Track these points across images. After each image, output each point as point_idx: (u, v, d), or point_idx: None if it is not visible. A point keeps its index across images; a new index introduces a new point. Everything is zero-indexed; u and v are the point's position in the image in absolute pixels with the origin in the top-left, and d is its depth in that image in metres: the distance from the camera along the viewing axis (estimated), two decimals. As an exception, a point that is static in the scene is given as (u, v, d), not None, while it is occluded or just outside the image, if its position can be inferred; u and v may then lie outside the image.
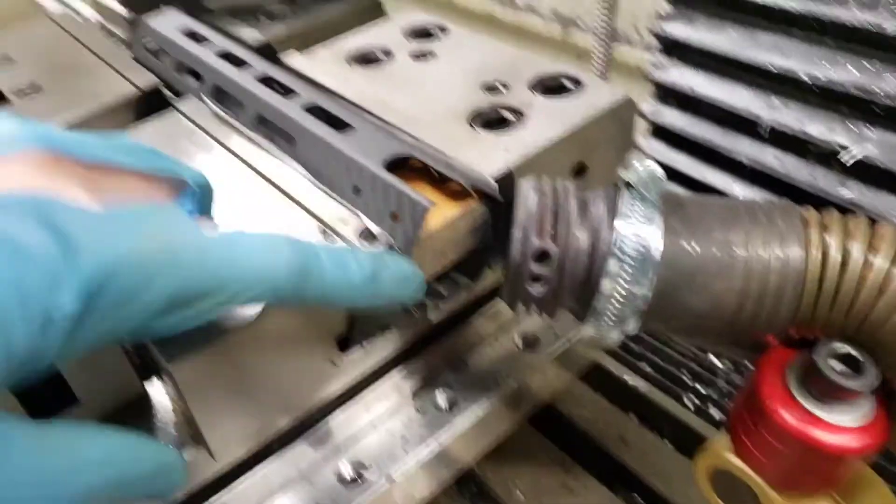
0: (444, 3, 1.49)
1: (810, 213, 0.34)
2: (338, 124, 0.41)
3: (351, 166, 0.38)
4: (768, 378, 0.34)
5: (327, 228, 0.36)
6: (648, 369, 0.65)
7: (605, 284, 0.33)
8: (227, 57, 0.49)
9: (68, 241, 0.20)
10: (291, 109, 0.42)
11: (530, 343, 0.49)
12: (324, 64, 0.51)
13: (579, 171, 0.44)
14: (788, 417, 0.33)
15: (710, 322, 0.34)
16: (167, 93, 0.51)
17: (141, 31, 0.55)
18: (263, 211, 0.37)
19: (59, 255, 0.20)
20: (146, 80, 0.51)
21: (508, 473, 0.54)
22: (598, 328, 0.34)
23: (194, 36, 0.52)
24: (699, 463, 0.39)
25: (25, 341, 0.19)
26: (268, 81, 0.46)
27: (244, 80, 0.46)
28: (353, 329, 0.36)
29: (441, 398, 0.45)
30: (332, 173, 0.39)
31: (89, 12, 0.67)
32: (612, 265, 0.32)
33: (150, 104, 0.50)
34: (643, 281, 0.32)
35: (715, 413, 0.62)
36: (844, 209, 0.65)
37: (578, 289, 0.34)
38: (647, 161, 0.33)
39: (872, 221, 0.33)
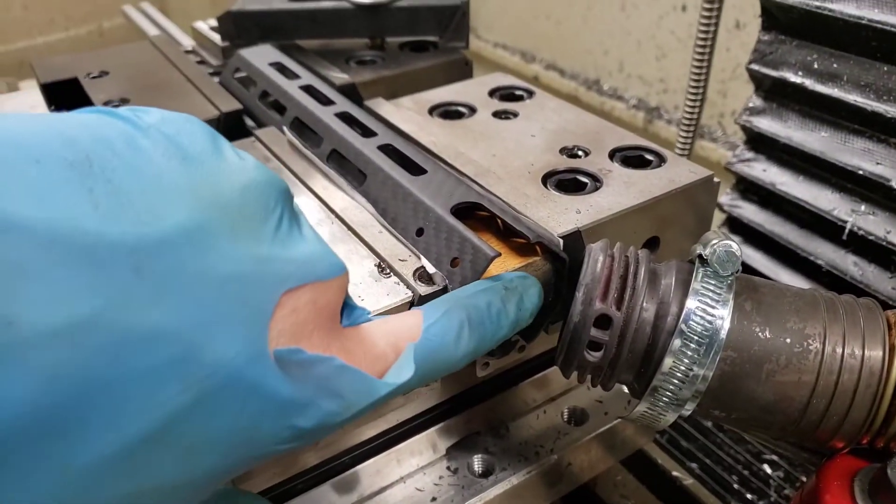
0: (530, 79, 1.55)
1: (891, 315, 0.33)
2: (410, 167, 0.43)
3: (418, 208, 0.39)
4: (833, 487, 0.33)
5: (384, 264, 0.37)
6: (695, 468, 0.63)
7: (667, 361, 0.33)
8: (312, 92, 0.52)
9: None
10: (366, 147, 0.45)
11: (578, 419, 0.48)
12: (406, 112, 0.53)
13: (651, 245, 0.44)
14: (851, 531, 0.32)
15: (773, 416, 0.33)
16: (248, 121, 0.54)
17: (234, 60, 0.59)
18: (330, 240, 0.39)
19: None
20: (229, 104, 0.54)
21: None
22: (654, 406, 0.34)
23: (284, 70, 0.56)
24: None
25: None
26: (348, 119, 0.48)
27: (325, 115, 0.48)
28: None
29: (477, 462, 0.45)
30: (398, 213, 0.40)
31: (185, 39, 0.72)
32: (677, 341, 0.32)
33: (229, 128, 0.54)
34: (706, 362, 0.32)
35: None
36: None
37: (638, 362, 0.34)
38: (726, 239, 0.33)
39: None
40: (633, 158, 0.47)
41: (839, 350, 0.32)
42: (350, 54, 0.64)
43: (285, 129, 0.49)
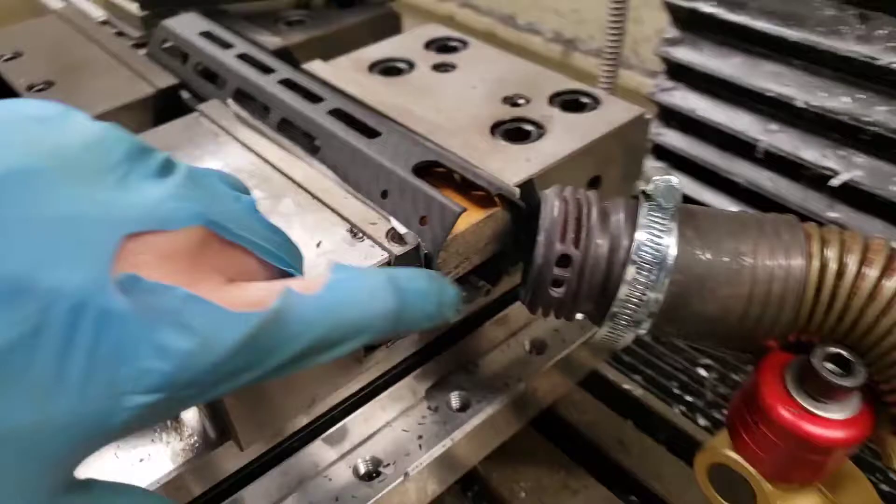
0: (446, 19, 1.54)
1: (812, 228, 0.38)
2: (364, 130, 0.45)
3: (380, 171, 0.41)
4: (768, 379, 0.39)
5: (356, 229, 0.39)
6: (640, 379, 0.69)
7: (623, 289, 0.37)
8: (250, 61, 0.52)
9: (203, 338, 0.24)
10: (318, 114, 0.46)
11: (539, 348, 0.53)
12: (346, 72, 0.54)
13: (594, 182, 0.48)
14: (785, 413, 0.37)
15: (717, 326, 0.38)
16: (186, 95, 0.54)
17: (160, 32, 0.58)
18: (294, 213, 0.41)
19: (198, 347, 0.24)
20: (165, 80, 0.54)
21: (511, 474, 0.57)
22: (613, 330, 0.39)
23: (216, 39, 0.56)
24: (699, 459, 0.44)
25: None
26: (292, 86, 0.49)
27: (269, 84, 0.49)
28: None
29: (454, 399, 0.49)
30: (359, 177, 0.42)
31: (96, 11, 0.70)
32: (630, 271, 0.36)
33: (167, 105, 0.54)
34: (658, 286, 0.37)
35: (702, 421, 0.67)
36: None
37: (597, 293, 0.38)
38: (667, 175, 0.37)
39: (866, 237, 0.38)
40: (570, 102, 0.50)
41: (768, 263, 0.37)
42: (277, 15, 0.64)
43: (229, 101, 0.50)
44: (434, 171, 0.43)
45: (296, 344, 0.27)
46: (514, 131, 0.48)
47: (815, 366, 0.36)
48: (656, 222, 0.37)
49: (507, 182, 0.42)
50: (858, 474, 0.42)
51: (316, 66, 0.55)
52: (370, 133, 0.44)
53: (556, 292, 0.38)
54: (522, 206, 0.41)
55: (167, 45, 0.58)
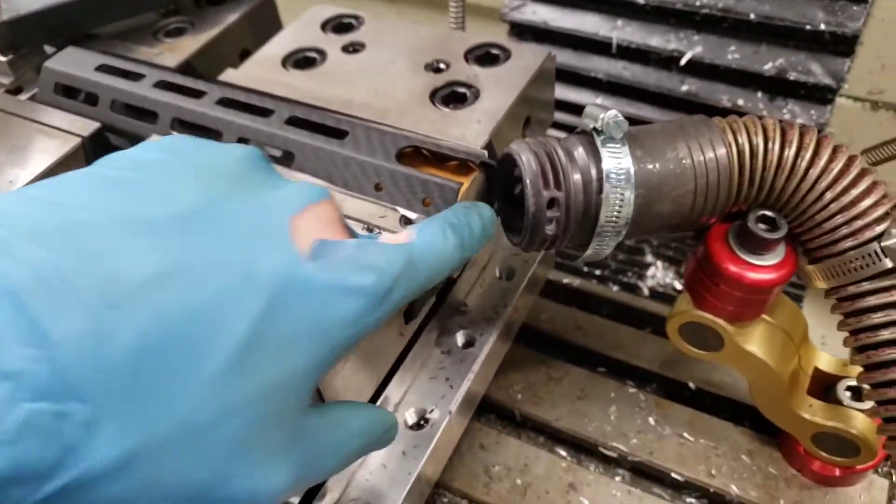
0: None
1: (720, 121, 0.48)
2: (330, 132, 0.48)
3: (366, 167, 0.45)
4: (717, 247, 0.49)
5: (370, 225, 0.44)
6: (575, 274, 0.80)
7: (604, 211, 0.45)
8: (173, 87, 0.52)
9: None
10: (274, 127, 0.48)
11: (508, 274, 0.60)
12: (265, 74, 0.56)
13: (526, 123, 0.55)
14: (734, 268, 0.48)
15: (673, 219, 0.47)
16: (111, 137, 0.53)
17: (47, 76, 0.55)
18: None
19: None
20: (84, 126, 0.52)
21: (504, 383, 0.66)
22: (599, 246, 0.47)
23: (119, 72, 0.54)
24: (671, 323, 0.54)
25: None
26: (231, 104, 0.50)
27: (209, 108, 0.50)
28: (412, 302, 0.45)
29: (460, 339, 0.56)
30: (347, 178, 0.46)
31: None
32: (608, 194, 0.44)
33: (97, 152, 0.52)
34: (628, 202, 0.45)
35: (615, 287, 0.79)
36: (686, 101, 0.83)
37: (581, 220, 0.46)
38: (610, 110, 0.44)
39: (760, 118, 0.48)
40: (483, 57, 0.56)
41: (701, 159, 0.46)
42: (153, 28, 0.63)
43: (260, 153, 0.49)
44: (404, 153, 0.47)
45: (424, 271, 0.35)
46: (450, 95, 0.53)
47: (750, 228, 0.47)
48: (614, 151, 0.45)
49: (475, 147, 0.47)
50: (783, 298, 0.54)
51: (232, 76, 0.56)
52: (337, 133, 0.47)
53: (550, 230, 0.45)
54: (494, 166, 0.47)
55: (57, 88, 0.56)
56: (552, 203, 0.44)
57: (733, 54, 0.79)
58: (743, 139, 0.46)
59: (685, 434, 0.62)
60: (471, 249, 0.40)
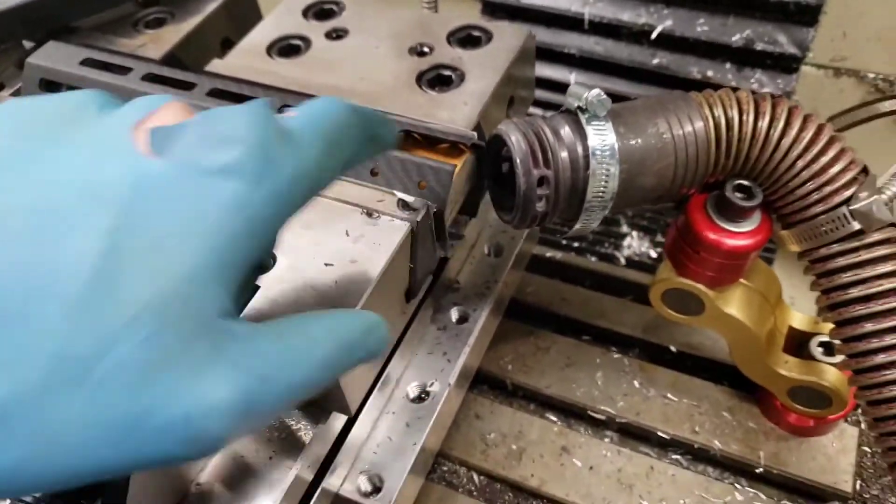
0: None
1: (697, 96, 0.50)
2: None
3: (361, 153, 0.47)
4: (697, 216, 0.51)
5: (369, 210, 0.45)
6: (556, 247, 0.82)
7: (591, 187, 0.47)
8: (161, 80, 0.53)
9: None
10: (268, 116, 0.49)
11: (497, 251, 0.62)
12: (251, 63, 0.56)
13: (511, 103, 0.56)
14: (713, 235, 0.51)
15: (656, 192, 0.49)
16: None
17: (31, 72, 0.55)
18: (308, 211, 0.45)
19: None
20: (76, 121, 0.53)
21: (494, 355, 0.69)
22: (587, 220, 0.49)
23: (103, 65, 0.54)
24: (654, 291, 0.57)
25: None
26: (221, 94, 0.51)
27: (200, 100, 0.51)
28: (412, 282, 0.47)
29: (454, 314, 0.58)
30: (342, 163, 0.47)
31: None
32: (594, 170, 0.46)
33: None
34: (613, 177, 0.47)
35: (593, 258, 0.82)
36: (658, 74, 0.85)
37: (569, 197, 0.48)
38: (593, 90, 0.46)
39: (734, 90, 0.50)
40: (465, 39, 0.57)
41: (680, 132, 0.48)
42: (132, 19, 0.62)
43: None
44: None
45: (319, 130, 0.31)
46: (436, 78, 0.54)
47: (728, 196, 0.50)
48: (599, 128, 0.47)
49: (465, 129, 0.49)
50: (759, 262, 0.57)
51: (219, 66, 0.56)
52: (330, 121, 0.48)
53: (540, 207, 0.47)
54: (483, 147, 0.49)
55: (41, 84, 0.56)
56: (542, 181, 0.46)
57: (702, 27, 0.81)
58: (719, 112, 0.49)
59: (669, 395, 0.65)
60: (373, 119, 0.35)
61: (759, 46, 0.79)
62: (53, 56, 0.56)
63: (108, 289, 0.25)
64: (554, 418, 0.67)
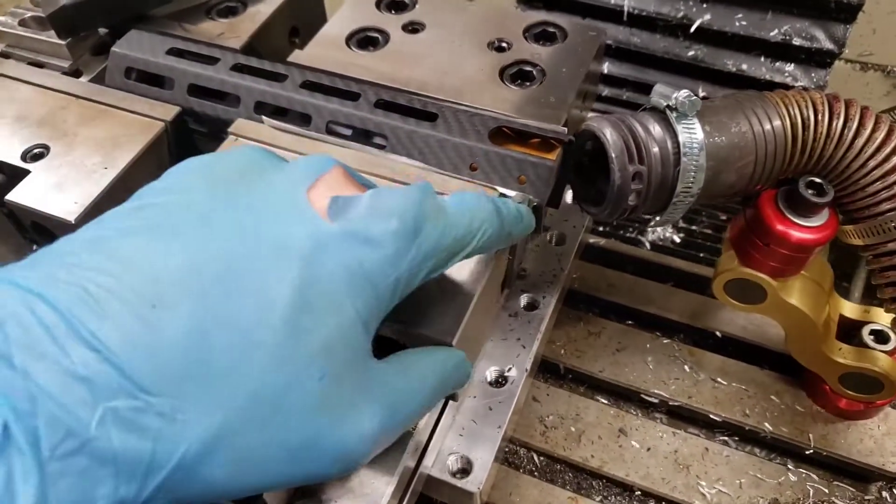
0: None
1: (772, 96, 0.52)
2: (420, 115, 0.50)
3: (460, 149, 0.48)
4: (768, 210, 0.54)
5: (471, 203, 0.47)
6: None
7: (681, 181, 0.49)
8: (251, 70, 0.53)
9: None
10: (366, 111, 0.50)
11: (559, 240, 0.65)
12: (335, 55, 0.57)
13: (585, 97, 0.58)
14: (784, 228, 0.53)
15: (735, 188, 0.52)
16: (188, 120, 0.54)
17: (117, 60, 0.56)
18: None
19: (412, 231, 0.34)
20: (166, 111, 0.53)
21: (547, 341, 0.71)
22: (671, 214, 0.51)
23: (191, 55, 0.55)
24: (717, 281, 0.60)
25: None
26: (314, 87, 0.52)
27: (294, 92, 0.52)
28: (510, 272, 0.49)
29: (523, 301, 0.60)
30: (441, 159, 0.49)
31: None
32: (685, 166, 0.48)
33: (178, 136, 0.54)
34: (701, 173, 0.49)
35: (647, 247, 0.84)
36: (692, 66, 0.87)
37: (658, 191, 0.50)
38: (683, 90, 0.48)
39: (805, 89, 0.53)
40: (540, 34, 0.59)
41: (759, 129, 0.50)
42: (206, 7, 0.63)
43: (265, 118, 0.51)
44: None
45: (456, 215, 0.36)
46: (517, 73, 0.56)
47: (801, 192, 0.52)
48: (689, 126, 0.49)
49: (557, 125, 0.51)
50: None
51: (302, 57, 0.57)
52: (427, 116, 0.50)
53: (632, 200, 0.49)
54: (573, 142, 0.51)
55: (128, 72, 0.56)
56: (636, 176, 0.48)
57: (741, 21, 0.83)
58: (795, 111, 0.51)
59: (718, 378, 0.68)
60: (508, 216, 0.40)
61: (797, 42, 0.81)
62: (137, 45, 0.56)
63: (295, 336, 0.30)
64: (605, 401, 0.70)
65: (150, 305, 0.27)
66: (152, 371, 0.26)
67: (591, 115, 0.65)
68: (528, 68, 0.56)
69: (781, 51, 0.84)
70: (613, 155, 0.48)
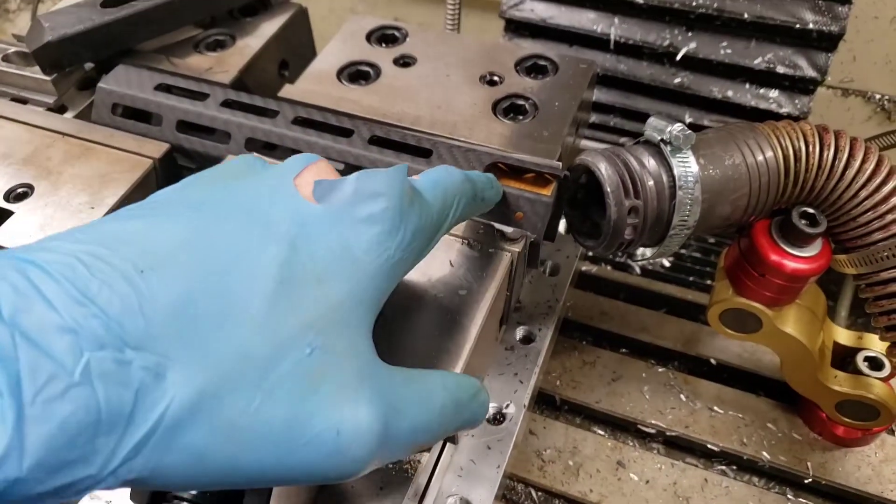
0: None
1: (763, 127, 0.53)
2: (414, 151, 0.50)
3: (456, 184, 0.48)
4: (761, 240, 0.54)
5: (470, 241, 0.46)
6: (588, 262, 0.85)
7: (677, 215, 0.49)
8: (240, 106, 0.53)
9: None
10: (358, 147, 0.50)
11: (554, 271, 0.64)
12: (326, 90, 0.57)
13: (579, 126, 0.58)
14: (777, 258, 0.54)
15: (729, 220, 0.52)
16: (179, 157, 0.54)
17: (104, 97, 0.55)
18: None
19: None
20: (155, 148, 0.53)
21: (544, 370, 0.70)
22: (666, 247, 0.51)
23: (179, 90, 0.54)
24: (712, 311, 0.60)
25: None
26: (305, 123, 0.52)
27: (286, 128, 0.51)
28: (507, 309, 0.48)
29: (519, 334, 0.59)
30: (436, 193, 0.48)
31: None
32: (680, 200, 0.48)
33: (167, 173, 0.53)
34: (696, 206, 0.49)
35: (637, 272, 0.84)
36: (678, 93, 0.88)
37: (654, 225, 0.50)
38: (676, 123, 0.48)
39: (796, 119, 0.53)
40: (531, 68, 0.59)
41: (752, 161, 0.51)
42: (194, 41, 0.62)
43: (255, 155, 0.51)
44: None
45: (433, 190, 0.37)
46: (510, 107, 0.56)
47: (794, 222, 0.52)
48: (683, 160, 0.49)
49: (552, 160, 0.51)
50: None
51: (293, 91, 0.57)
52: (423, 153, 0.50)
53: (628, 235, 0.49)
54: (567, 176, 0.51)
55: (115, 108, 0.55)
56: (632, 211, 0.48)
57: (725, 49, 0.84)
58: (786, 143, 0.52)
59: (715, 407, 0.68)
60: (479, 182, 0.42)
61: (781, 69, 0.82)
62: (125, 81, 0.55)
63: (283, 308, 0.30)
64: (602, 432, 0.69)
65: (140, 271, 0.28)
66: (139, 329, 0.27)
67: (582, 142, 0.65)
68: (521, 102, 0.56)
69: (766, 78, 0.85)
70: (609, 190, 0.48)
